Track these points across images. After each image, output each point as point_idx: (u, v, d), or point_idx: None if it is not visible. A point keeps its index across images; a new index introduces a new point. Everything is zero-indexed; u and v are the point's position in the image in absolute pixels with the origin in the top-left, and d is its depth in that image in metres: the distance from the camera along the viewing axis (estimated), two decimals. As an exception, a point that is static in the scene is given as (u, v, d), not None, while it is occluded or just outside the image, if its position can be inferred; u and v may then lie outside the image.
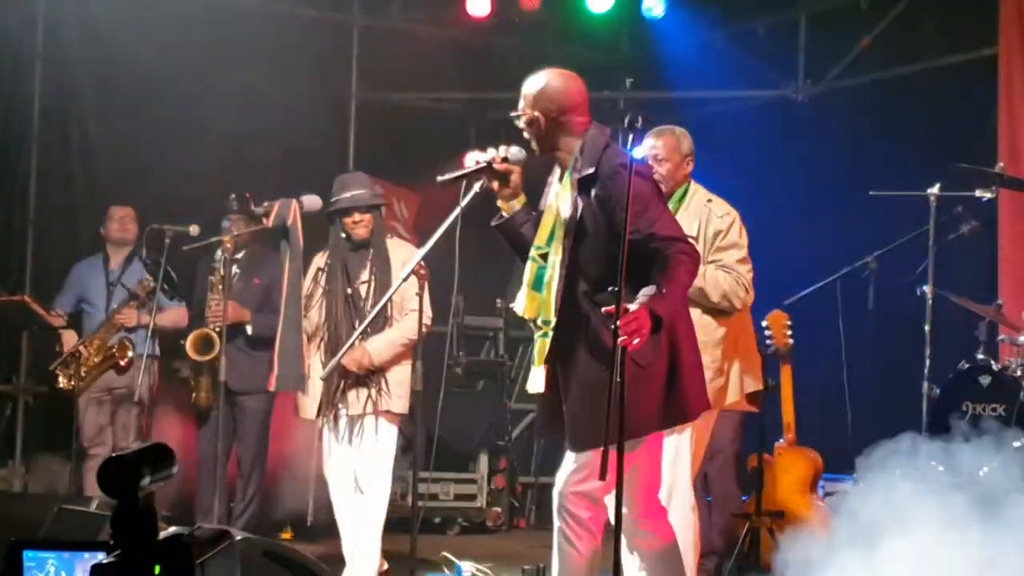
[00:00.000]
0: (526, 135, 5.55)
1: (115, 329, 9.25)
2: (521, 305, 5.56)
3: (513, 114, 5.57)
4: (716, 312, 6.61)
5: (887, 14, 10.97)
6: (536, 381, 5.53)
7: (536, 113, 5.47)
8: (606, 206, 5.29)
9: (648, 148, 6.70)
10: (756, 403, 7.61)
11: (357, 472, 7.60)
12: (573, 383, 5.36)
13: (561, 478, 5.50)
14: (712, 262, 6.55)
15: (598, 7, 11.73)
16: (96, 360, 9.20)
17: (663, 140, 6.75)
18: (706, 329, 6.45)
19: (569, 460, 5.47)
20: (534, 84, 5.51)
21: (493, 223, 5.68)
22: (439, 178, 5.69)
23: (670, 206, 6.55)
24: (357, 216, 7.78)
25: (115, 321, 9.23)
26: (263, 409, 9.04)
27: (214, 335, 8.60)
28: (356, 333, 6.97)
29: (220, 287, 8.54)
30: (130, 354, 9.22)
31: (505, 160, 5.55)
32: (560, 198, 5.46)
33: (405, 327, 7.61)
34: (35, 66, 10.96)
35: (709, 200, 6.66)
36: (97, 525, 5.70)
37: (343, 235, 7.83)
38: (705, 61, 11.82)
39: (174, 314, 9.27)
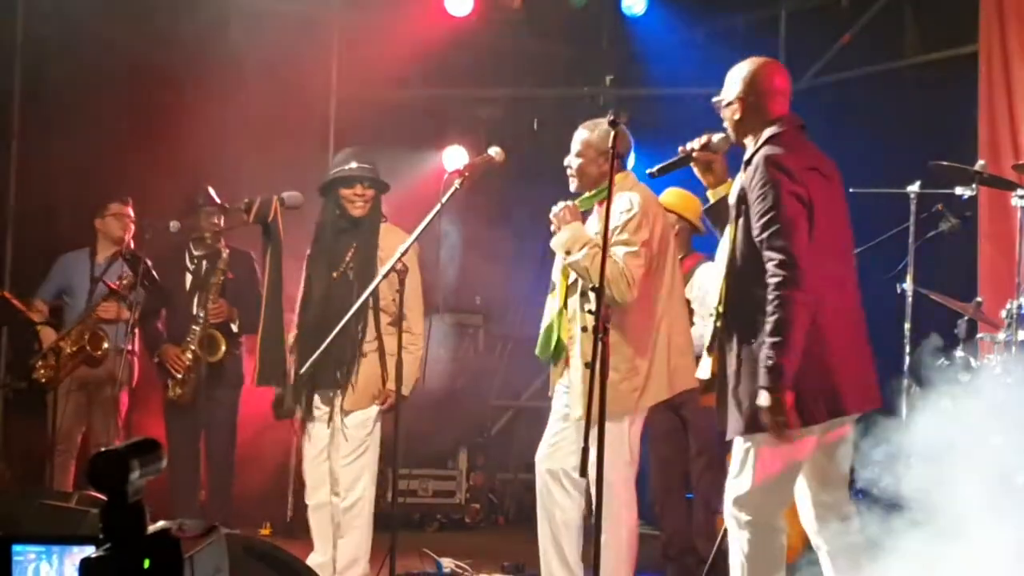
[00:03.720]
0: (725, 121, 5.62)
1: (94, 323, 9.21)
2: None
3: (715, 99, 5.62)
4: (643, 309, 6.57)
5: (867, 11, 10.99)
6: (703, 367, 5.58)
7: (734, 98, 5.52)
8: (744, 195, 5.36)
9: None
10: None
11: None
12: (727, 370, 5.42)
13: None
14: None
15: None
16: (71, 352, 9.16)
17: (584, 134, 6.75)
18: (616, 329, 6.38)
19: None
20: (738, 69, 5.63)
21: (703, 208, 5.74)
22: (649, 170, 5.79)
23: (587, 204, 6.67)
24: (360, 189, 7.39)
25: (96, 315, 9.20)
26: (233, 402, 9.06)
27: (220, 336, 8.61)
28: (334, 332, 6.92)
29: (219, 286, 8.59)
30: (105, 345, 9.19)
31: (705, 148, 5.60)
32: (736, 185, 5.51)
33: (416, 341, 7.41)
34: (15, 59, 10.92)
35: (620, 193, 6.53)
36: (78, 520, 5.68)
37: (337, 212, 7.47)
38: (685, 58, 11.81)
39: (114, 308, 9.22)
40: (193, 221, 8.91)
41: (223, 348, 8.71)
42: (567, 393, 6.70)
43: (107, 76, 10.65)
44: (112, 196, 9.58)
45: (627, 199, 6.56)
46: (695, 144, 5.66)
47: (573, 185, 6.74)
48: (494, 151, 6.87)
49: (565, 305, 6.68)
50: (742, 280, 5.39)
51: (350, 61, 12.30)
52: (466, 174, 6.69)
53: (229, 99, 11.18)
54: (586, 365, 6.39)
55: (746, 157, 5.44)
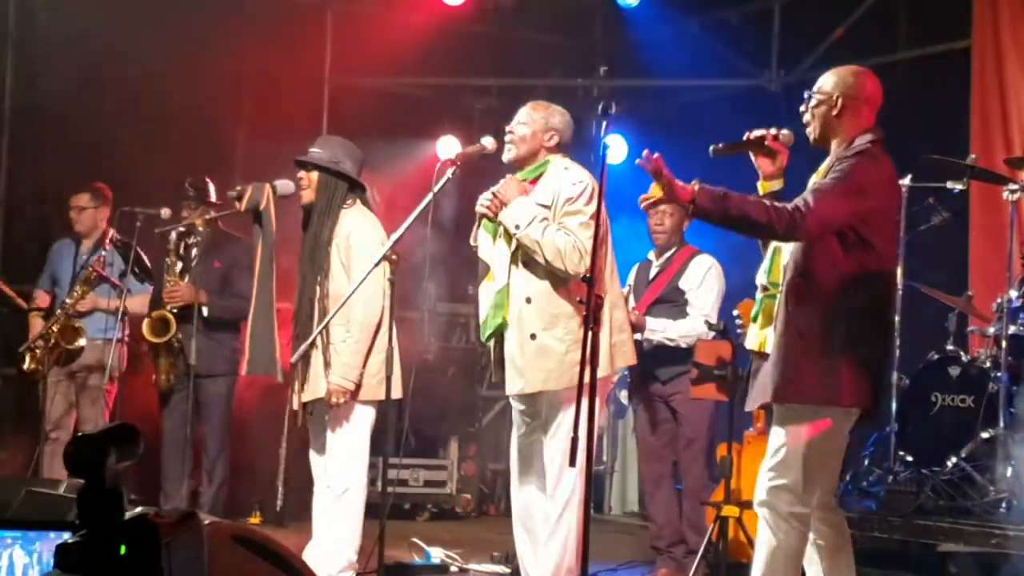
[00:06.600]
0: (807, 118, 5.60)
1: (67, 314, 9.19)
2: None
3: (806, 94, 5.61)
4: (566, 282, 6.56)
5: (861, 4, 10.98)
6: (753, 339, 5.57)
7: (838, 94, 5.52)
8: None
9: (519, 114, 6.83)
10: (726, 391, 7.61)
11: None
12: (777, 337, 5.40)
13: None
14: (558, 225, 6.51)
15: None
16: (53, 343, 9.16)
17: (533, 108, 6.79)
18: (563, 300, 6.51)
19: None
20: (844, 70, 5.62)
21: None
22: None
23: (525, 177, 6.67)
24: (301, 173, 7.26)
25: (72, 306, 9.19)
26: (226, 392, 9.04)
27: (171, 316, 8.59)
28: (321, 326, 6.90)
29: (176, 268, 8.57)
30: (80, 341, 9.16)
31: (776, 139, 5.63)
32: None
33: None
34: (7, 48, 10.91)
35: (566, 168, 6.61)
36: (66, 508, 5.67)
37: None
38: (679, 50, 11.79)
39: (140, 299, 9.15)
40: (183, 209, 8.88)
41: (172, 331, 8.62)
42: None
43: (98, 65, 10.63)
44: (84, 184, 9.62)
45: (576, 174, 6.59)
46: (769, 132, 5.66)
47: (509, 153, 6.72)
48: (487, 141, 6.86)
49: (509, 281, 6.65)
50: (806, 261, 5.39)
51: (343, 49, 12.29)
52: (459, 163, 6.68)
53: (221, 87, 11.16)
54: (531, 336, 6.48)
55: (838, 156, 5.43)
